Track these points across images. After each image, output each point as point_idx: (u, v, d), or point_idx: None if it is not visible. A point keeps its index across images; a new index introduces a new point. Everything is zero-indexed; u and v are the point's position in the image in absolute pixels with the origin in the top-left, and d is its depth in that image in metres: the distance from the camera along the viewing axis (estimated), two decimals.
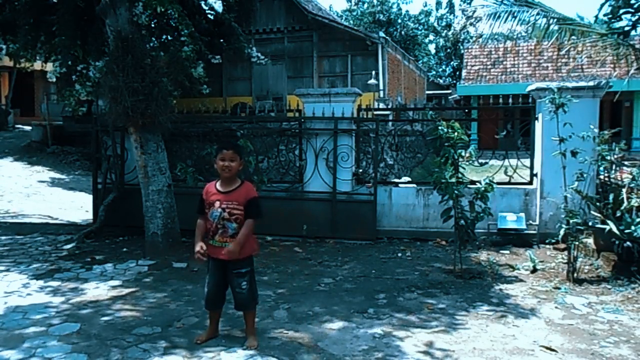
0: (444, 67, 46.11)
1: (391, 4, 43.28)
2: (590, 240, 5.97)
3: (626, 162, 6.87)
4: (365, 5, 43.54)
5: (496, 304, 4.69)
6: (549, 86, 6.35)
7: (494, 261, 6.01)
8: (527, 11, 6.70)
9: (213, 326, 3.99)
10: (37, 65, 16.83)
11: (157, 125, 6.60)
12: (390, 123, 10.35)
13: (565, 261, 5.54)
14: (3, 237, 7.63)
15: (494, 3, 6.94)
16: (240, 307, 3.90)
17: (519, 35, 7.09)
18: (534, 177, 7.09)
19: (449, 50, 43.93)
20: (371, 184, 7.33)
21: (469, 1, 42.41)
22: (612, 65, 18.94)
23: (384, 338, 3.96)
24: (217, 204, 3.74)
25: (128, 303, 4.79)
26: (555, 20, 6.62)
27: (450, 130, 5.41)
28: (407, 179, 8.70)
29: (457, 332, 4.06)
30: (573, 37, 6.79)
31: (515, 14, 6.72)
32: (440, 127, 5.42)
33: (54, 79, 14.42)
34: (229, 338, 3.96)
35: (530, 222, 6.90)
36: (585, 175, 5.36)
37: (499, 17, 6.78)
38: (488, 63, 25.72)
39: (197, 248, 3.75)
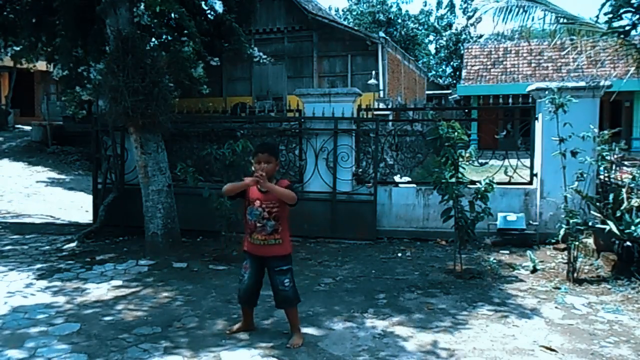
0: (444, 67, 46.09)
1: (391, 4, 43.30)
2: (590, 240, 5.97)
3: (626, 162, 6.88)
4: (365, 5, 43.51)
5: (496, 304, 4.69)
6: (549, 86, 6.35)
7: (494, 261, 6.01)
8: (534, 7, 6.67)
9: (248, 320, 4.08)
10: (38, 65, 16.81)
11: (157, 125, 6.59)
12: (390, 123, 10.35)
13: (565, 261, 5.54)
14: (3, 237, 7.64)
15: None
16: (283, 305, 3.93)
17: (529, 31, 6.97)
18: (534, 177, 7.08)
19: (450, 48, 43.90)
20: (371, 184, 7.33)
21: (470, 1, 42.49)
22: (611, 65, 18.97)
23: (384, 338, 3.96)
24: (258, 202, 3.83)
25: (128, 303, 4.79)
26: (561, 18, 6.61)
27: (450, 130, 5.40)
28: (407, 178, 8.70)
29: (457, 332, 4.06)
30: (573, 36, 6.79)
31: (525, 9, 6.68)
32: (440, 127, 5.42)
33: (58, 78, 14.38)
34: (229, 338, 3.97)
35: (530, 222, 6.90)
36: (585, 175, 5.36)
37: (510, 11, 6.73)
38: (488, 63, 25.72)
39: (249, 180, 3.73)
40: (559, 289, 5.06)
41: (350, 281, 5.42)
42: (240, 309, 4.15)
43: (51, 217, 9.91)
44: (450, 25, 45.45)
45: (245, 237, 3.94)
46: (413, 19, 45.03)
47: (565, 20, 6.64)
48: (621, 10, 6.28)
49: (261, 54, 18.27)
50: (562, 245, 5.87)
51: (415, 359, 3.63)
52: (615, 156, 6.02)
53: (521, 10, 6.69)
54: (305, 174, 7.50)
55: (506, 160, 7.24)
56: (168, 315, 4.48)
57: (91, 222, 8.25)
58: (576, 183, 5.35)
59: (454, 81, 39.56)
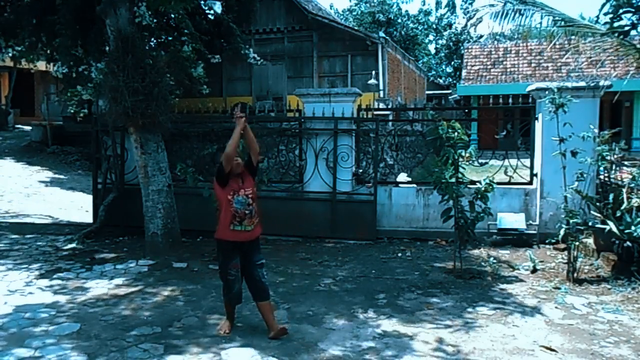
0: (444, 67, 46.07)
1: (391, 4, 43.26)
2: (590, 240, 5.97)
3: (626, 162, 6.87)
4: (366, 5, 43.49)
5: (496, 303, 4.69)
6: (549, 86, 6.34)
7: (494, 261, 6.01)
8: (531, 10, 6.67)
9: (233, 317, 4.17)
10: (38, 65, 16.80)
11: (157, 125, 6.60)
12: (390, 123, 10.36)
13: (565, 261, 5.55)
14: (3, 237, 7.63)
15: (499, 2, 6.88)
16: (264, 296, 4.01)
17: (527, 32, 6.97)
18: (534, 177, 7.08)
19: (450, 47, 43.85)
20: (371, 184, 7.33)
21: (470, 1, 42.50)
22: (611, 66, 18.96)
23: (384, 338, 3.96)
24: (242, 191, 3.99)
25: (128, 303, 4.79)
26: (558, 20, 6.61)
27: (450, 130, 5.40)
28: (407, 178, 8.70)
29: (458, 332, 4.06)
30: (573, 37, 6.79)
31: (522, 12, 6.69)
32: (440, 127, 5.42)
33: (58, 76, 14.32)
34: (228, 338, 3.97)
35: (530, 222, 6.89)
36: (585, 175, 5.36)
37: (506, 15, 6.74)
38: (488, 63, 25.71)
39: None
40: (559, 289, 5.06)
41: (350, 281, 5.42)
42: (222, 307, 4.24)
43: (51, 217, 9.90)
44: (450, 25, 45.44)
45: (225, 229, 3.95)
46: (413, 19, 44.99)
47: (563, 23, 6.65)
48: (621, 11, 6.28)
49: (255, 55, 18.22)
50: (562, 245, 5.88)
51: (415, 358, 3.63)
52: (615, 156, 6.02)
53: (517, 14, 6.69)
54: (305, 174, 7.50)
55: (506, 160, 7.23)
56: (168, 315, 4.48)
57: (91, 222, 8.25)
58: (576, 183, 5.35)
59: (454, 81, 39.52)
